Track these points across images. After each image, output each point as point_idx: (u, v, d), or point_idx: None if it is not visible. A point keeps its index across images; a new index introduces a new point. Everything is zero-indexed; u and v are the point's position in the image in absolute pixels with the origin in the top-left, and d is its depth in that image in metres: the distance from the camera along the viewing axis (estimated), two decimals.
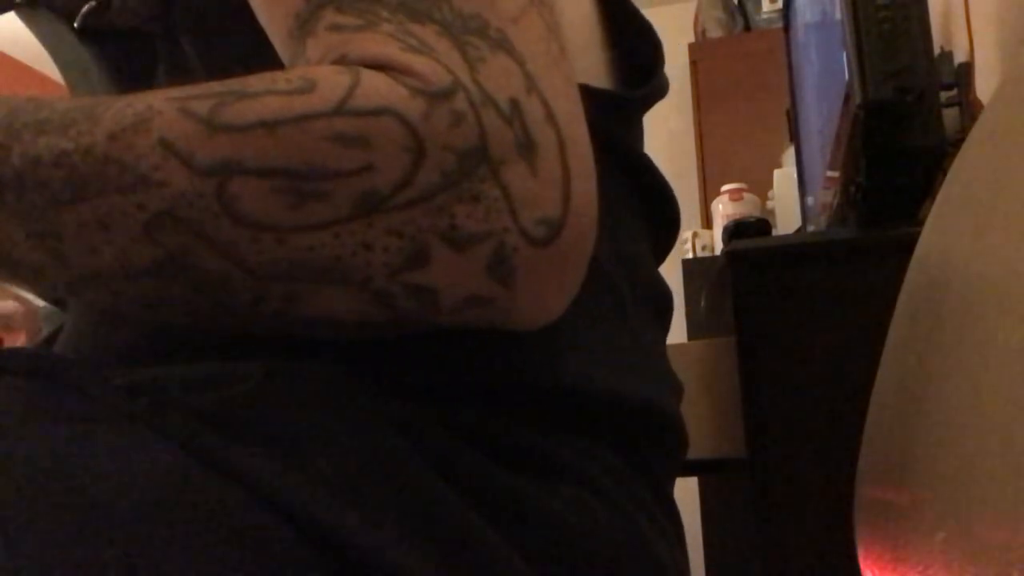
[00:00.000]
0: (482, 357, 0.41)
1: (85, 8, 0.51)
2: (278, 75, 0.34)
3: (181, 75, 0.49)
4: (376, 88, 0.33)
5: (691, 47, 3.07)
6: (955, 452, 0.44)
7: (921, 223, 0.60)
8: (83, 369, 0.36)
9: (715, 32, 3.07)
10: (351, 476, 0.35)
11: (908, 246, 0.59)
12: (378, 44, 0.35)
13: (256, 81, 0.34)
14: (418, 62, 0.34)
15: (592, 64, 0.53)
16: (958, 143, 0.57)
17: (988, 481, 0.39)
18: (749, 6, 3.06)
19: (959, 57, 1.33)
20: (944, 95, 1.14)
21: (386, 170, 0.33)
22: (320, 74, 0.34)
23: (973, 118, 1.13)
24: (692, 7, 3.18)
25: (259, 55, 0.40)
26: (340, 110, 0.33)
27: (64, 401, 0.34)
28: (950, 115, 1.14)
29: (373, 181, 0.33)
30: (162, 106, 0.33)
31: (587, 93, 0.49)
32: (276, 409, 0.36)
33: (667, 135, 3.33)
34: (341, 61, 0.35)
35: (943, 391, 0.47)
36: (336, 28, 0.36)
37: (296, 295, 0.35)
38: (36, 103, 0.35)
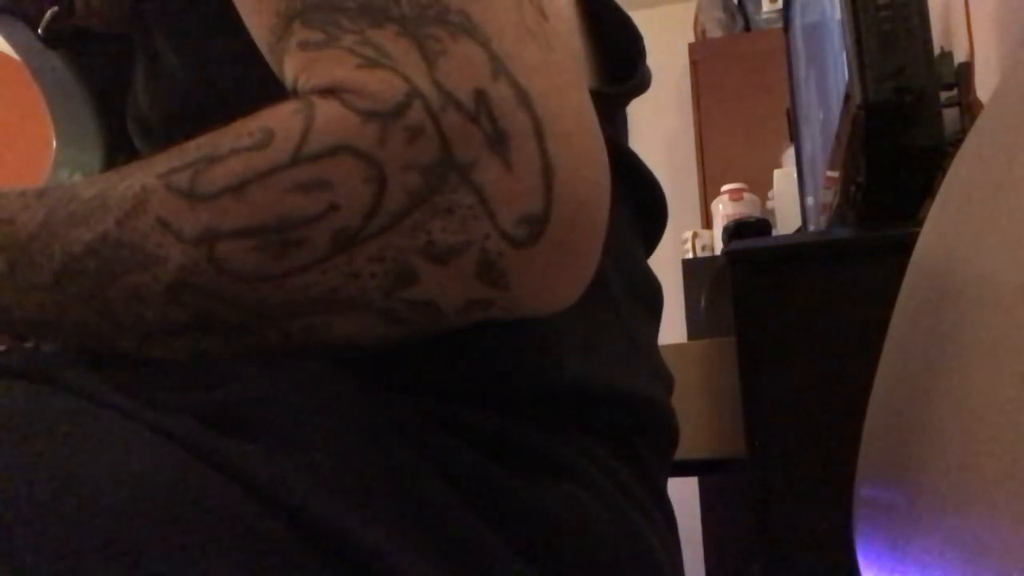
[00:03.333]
0: (475, 354, 0.41)
1: (48, 14, 0.52)
2: (242, 128, 0.35)
3: (158, 75, 0.49)
4: (328, 125, 0.34)
5: (691, 47, 3.07)
6: (955, 452, 0.44)
7: (921, 223, 0.60)
8: (80, 369, 0.36)
9: (715, 32, 3.07)
10: (349, 474, 0.35)
11: (908, 246, 0.59)
12: (334, 65, 0.35)
13: (224, 139, 0.35)
14: (372, 78, 0.34)
15: None
16: (958, 143, 0.57)
17: (988, 481, 0.39)
18: (749, 6, 3.06)
19: (959, 57, 1.33)
20: (944, 95, 1.14)
21: (351, 206, 0.33)
22: (276, 121, 0.35)
23: (973, 118, 1.13)
24: (692, 7, 3.18)
25: (236, 52, 0.40)
26: (297, 159, 0.34)
27: (61, 402, 0.34)
28: (950, 115, 1.14)
29: (342, 219, 0.34)
30: (153, 184, 0.36)
31: None
32: (274, 407, 0.36)
33: (667, 135, 3.33)
34: (305, 86, 0.36)
35: (943, 391, 0.47)
36: (304, 45, 0.36)
37: (313, 327, 0.36)
38: (69, 195, 0.38)
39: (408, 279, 0.35)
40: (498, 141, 0.34)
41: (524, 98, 0.34)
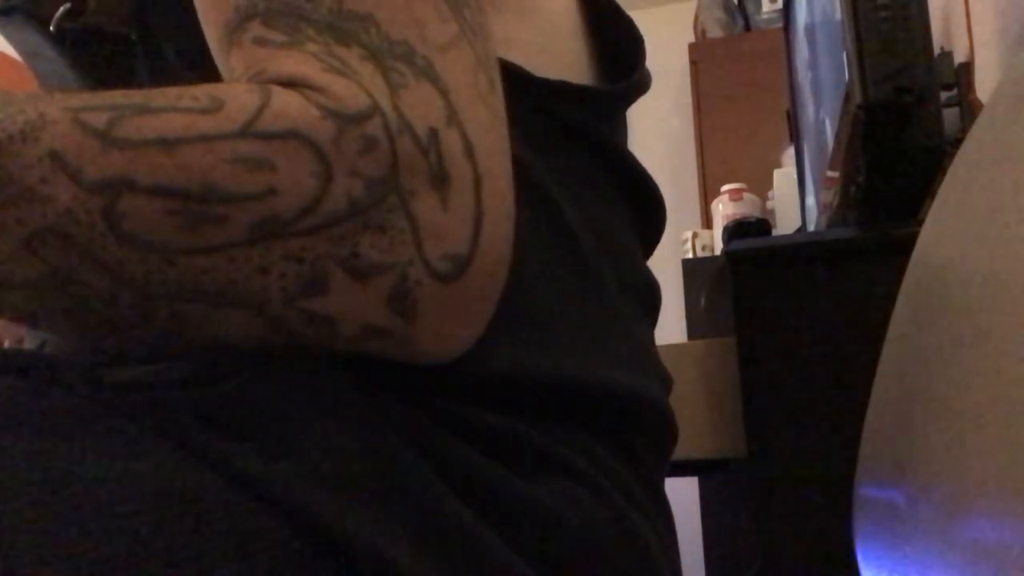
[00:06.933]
0: (472, 351, 0.41)
1: (61, 10, 0.51)
2: (184, 91, 0.33)
3: (162, 76, 0.49)
4: (286, 109, 0.33)
5: (691, 47, 3.07)
6: (954, 452, 0.44)
7: (921, 223, 0.60)
8: (76, 368, 0.36)
9: (715, 32, 3.07)
10: (348, 474, 0.35)
11: (908, 246, 0.59)
12: (299, 63, 0.34)
13: (160, 96, 0.33)
14: (336, 83, 0.34)
15: (573, 57, 0.54)
16: (958, 143, 0.57)
17: (987, 481, 0.39)
18: (749, 6, 3.06)
19: (959, 57, 1.33)
20: (944, 95, 1.14)
21: (289, 195, 0.32)
22: (228, 93, 0.33)
23: (973, 118, 1.13)
24: (692, 7, 3.18)
25: None
26: (246, 132, 0.32)
27: (58, 400, 0.34)
28: (950, 115, 1.14)
29: (275, 206, 0.32)
30: (56, 115, 0.32)
31: (566, 89, 0.50)
32: (270, 405, 0.36)
33: (667, 135, 3.33)
34: (259, 76, 0.35)
35: (942, 391, 0.47)
36: (261, 42, 0.36)
37: (186, 316, 0.34)
38: None
39: (317, 288, 0.33)
40: (440, 180, 0.34)
41: (470, 150, 0.35)
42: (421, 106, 0.34)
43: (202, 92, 0.33)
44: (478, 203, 0.35)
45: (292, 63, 0.34)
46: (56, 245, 0.31)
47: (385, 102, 0.34)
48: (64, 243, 0.31)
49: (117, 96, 0.33)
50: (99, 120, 0.32)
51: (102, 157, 0.31)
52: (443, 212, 0.34)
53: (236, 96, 0.33)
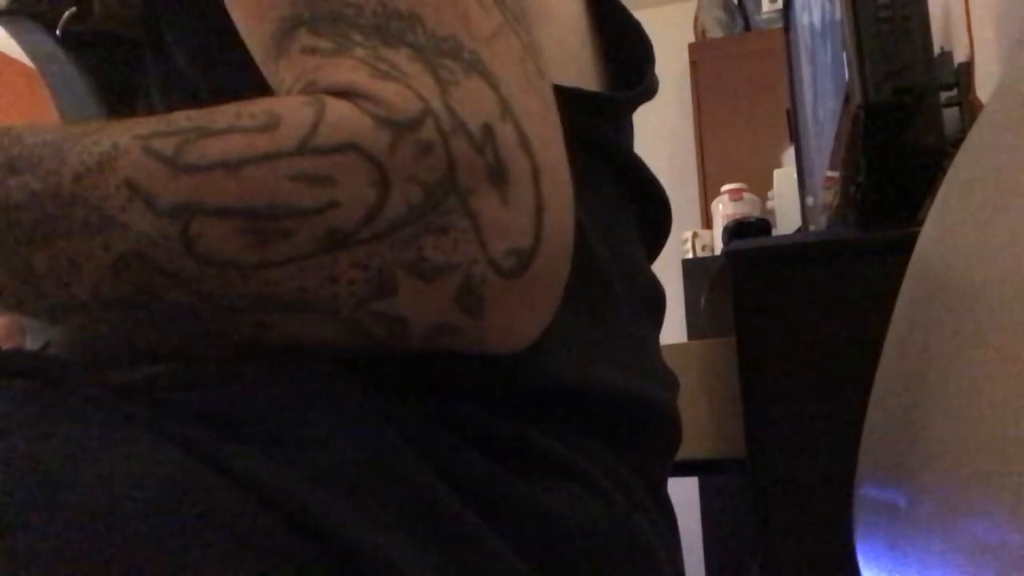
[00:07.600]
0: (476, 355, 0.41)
1: (67, 14, 0.51)
2: (243, 108, 0.34)
3: (170, 81, 0.49)
4: (341, 122, 0.33)
5: (691, 47, 3.07)
6: (955, 452, 0.44)
7: (921, 223, 0.60)
8: (79, 370, 0.36)
9: (715, 32, 3.07)
10: (349, 474, 0.35)
11: (908, 246, 0.60)
12: (348, 70, 0.35)
13: (221, 116, 0.34)
14: (387, 89, 0.34)
15: (582, 64, 0.53)
16: (958, 143, 0.57)
17: (987, 481, 0.39)
18: (749, 6, 3.06)
19: (959, 57, 1.33)
20: (944, 95, 1.14)
21: (351, 206, 0.33)
22: (284, 108, 0.34)
23: (973, 118, 1.13)
24: (692, 7, 3.18)
25: (249, 64, 0.40)
26: (303, 148, 0.33)
27: (61, 402, 0.34)
28: (950, 115, 1.14)
29: (337, 218, 0.33)
30: (128, 144, 0.34)
31: (577, 96, 0.49)
32: (273, 408, 0.36)
33: (667, 135, 3.33)
34: (311, 87, 0.35)
35: (942, 391, 0.47)
36: (309, 51, 0.36)
37: (266, 324, 0.35)
38: (10, 137, 0.35)
39: (386, 292, 0.34)
40: (499, 176, 0.34)
41: (525, 142, 0.35)
42: (473, 102, 0.34)
43: (259, 109, 0.34)
44: (538, 195, 0.35)
45: (342, 71, 0.35)
46: (139, 267, 0.33)
47: (436, 102, 0.34)
48: (146, 265, 0.33)
49: (181, 119, 0.34)
50: (167, 147, 0.33)
51: (172, 183, 0.33)
52: (503, 208, 0.34)
53: (292, 111, 0.34)
